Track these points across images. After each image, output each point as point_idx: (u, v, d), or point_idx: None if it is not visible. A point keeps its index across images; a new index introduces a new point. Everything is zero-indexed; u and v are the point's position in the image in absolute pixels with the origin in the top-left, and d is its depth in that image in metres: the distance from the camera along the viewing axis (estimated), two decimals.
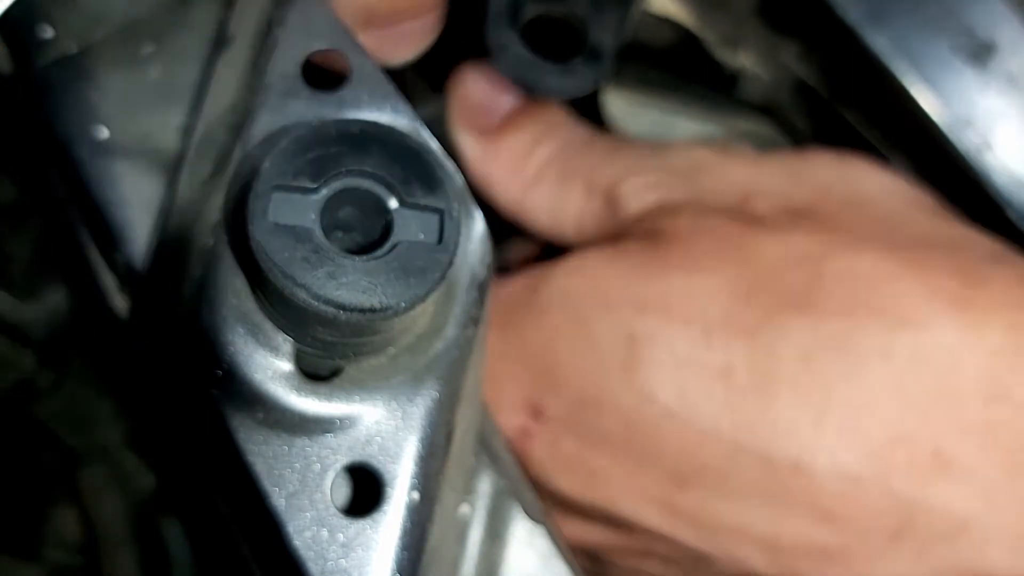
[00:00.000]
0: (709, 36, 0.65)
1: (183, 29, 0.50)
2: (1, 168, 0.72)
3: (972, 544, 0.44)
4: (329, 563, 0.36)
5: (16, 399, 0.73)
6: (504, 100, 0.59)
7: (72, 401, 0.74)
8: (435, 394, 0.38)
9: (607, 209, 0.55)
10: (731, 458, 0.47)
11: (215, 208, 0.39)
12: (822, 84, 0.61)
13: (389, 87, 0.41)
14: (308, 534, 0.36)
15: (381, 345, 0.37)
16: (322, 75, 0.42)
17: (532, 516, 0.47)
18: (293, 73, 0.41)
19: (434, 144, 0.40)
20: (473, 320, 0.40)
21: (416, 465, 0.37)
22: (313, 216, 0.33)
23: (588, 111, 0.66)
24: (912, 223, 0.51)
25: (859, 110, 0.59)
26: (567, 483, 0.51)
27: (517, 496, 0.47)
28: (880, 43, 0.51)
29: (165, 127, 0.49)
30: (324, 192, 0.34)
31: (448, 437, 0.39)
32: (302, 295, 0.32)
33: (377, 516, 0.37)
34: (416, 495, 0.37)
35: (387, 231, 0.34)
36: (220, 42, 0.48)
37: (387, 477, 0.37)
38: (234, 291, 0.37)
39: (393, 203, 0.34)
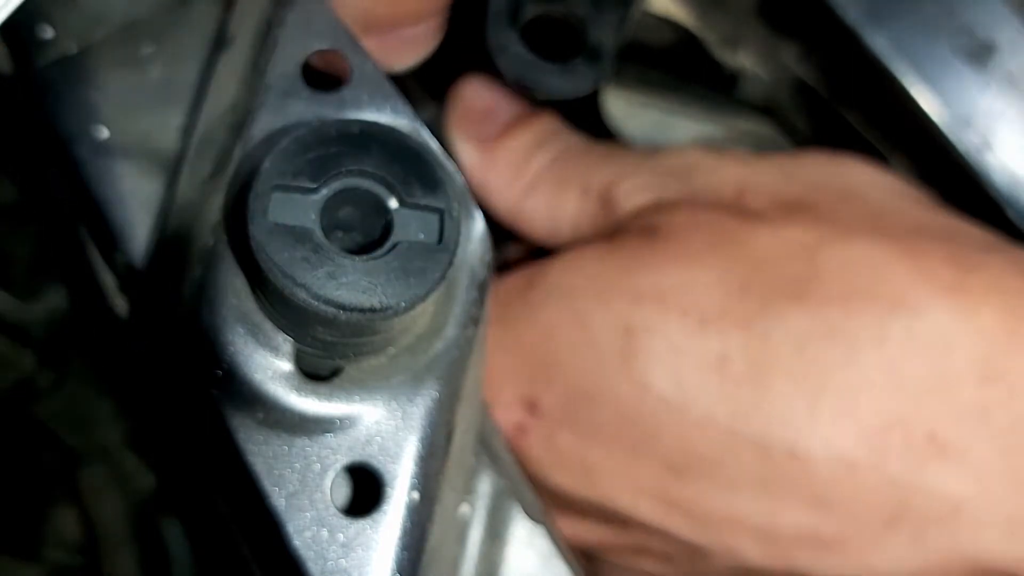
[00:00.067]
0: (709, 36, 0.65)
1: (183, 29, 0.50)
2: (1, 168, 0.72)
3: (966, 528, 0.45)
4: (329, 563, 0.36)
5: (16, 399, 0.73)
6: (503, 109, 0.60)
7: (72, 401, 0.74)
8: (435, 394, 0.38)
9: (603, 210, 0.55)
10: (727, 447, 0.47)
11: (215, 208, 0.39)
12: (822, 84, 0.61)
13: (389, 87, 0.41)
14: (308, 534, 0.36)
15: (381, 345, 0.37)
16: (322, 75, 0.42)
17: (532, 516, 0.47)
18: (293, 73, 0.41)
19: (434, 144, 0.40)
20: (473, 320, 0.40)
21: (416, 465, 0.37)
22: (313, 216, 0.33)
23: (588, 111, 0.66)
24: (905, 214, 0.51)
25: (859, 110, 0.59)
26: (563, 478, 0.51)
27: (517, 496, 0.47)
28: (880, 43, 0.51)
29: (165, 127, 0.49)
30: (324, 192, 0.34)
31: (448, 437, 0.39)
32: (302, 295, 0.32)
33: (377, 516, 0.37)
34: (416, 495, 0.37)
35: (387, 231, 0.34)
36: (220, 42, 0.48)
37: (387, 477, 0.37)
38: (234, 291, 0.37)
39: (393, 203, 0.34)
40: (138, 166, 0.49)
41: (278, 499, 0.37)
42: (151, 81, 0.50)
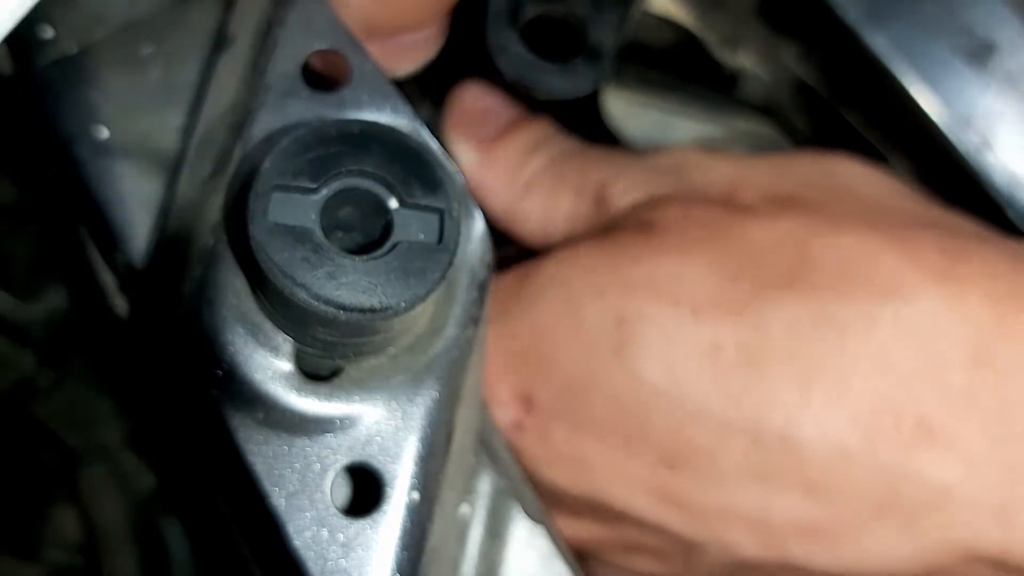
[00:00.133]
0: (709, 36, 0.65)
1: (183, 29, 0.50)
2: (1, 168, 0.72)
3: (956, 514, 0.45)
4: (329, 563, 0.36)
5: (16, 399, 0.73)
6: (501, 113, 0.61)
7: (72, 401, 0.74)
8: (435, 394, 0.38)
9: (597, 208, 0.56)
10: (720, 436, 0.47)
11: (215, 208, 0.39)
12: (822, 84, 0.61)
13: (389, 87, 0.41)
14: (308, 534, 0.36)
15: (381, 345, 0.37)
16: (322, 76, 0.42)
17: (532, 516, 0.47)
18: (293, 73, 0.41)
19: (434, 144, 0.40)
20: (473, 320, 0.40)
21: (416, 465, 0.37)
22: (313, 216, 0.33)
23: (588, 111, 0.66)
24: (895, 207, 0.52)
25: (859, 110, 0.59)
26: (557, 475, 0.51)
27: (517, 496, 0.47)
28: (880, 43, 0.51)
29: (165, 127, 0.49)
30: (324, 192, 0.34)
31: (448, 437, 0.39)
32: (302, 295, 0.32)
33: (377, 516, 0.37)
34: (416, 495, 0.37)
35: (387, 231, 0.34)
36: (220, 42, 0.48)
37: (387, 477, 0.37)
38: (234, 291, 0.37)
39: (393, 203, 0.34)
40: (138, 166, 0.49)
41: (278, 499, 0.37)
42: (151, 81, 0.50)
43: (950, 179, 0.52)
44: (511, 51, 0.53)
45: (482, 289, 0.40)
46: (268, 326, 0.37)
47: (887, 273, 0.47)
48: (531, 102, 0.61)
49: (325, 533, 0.36)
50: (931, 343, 0.45)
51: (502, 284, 0.53)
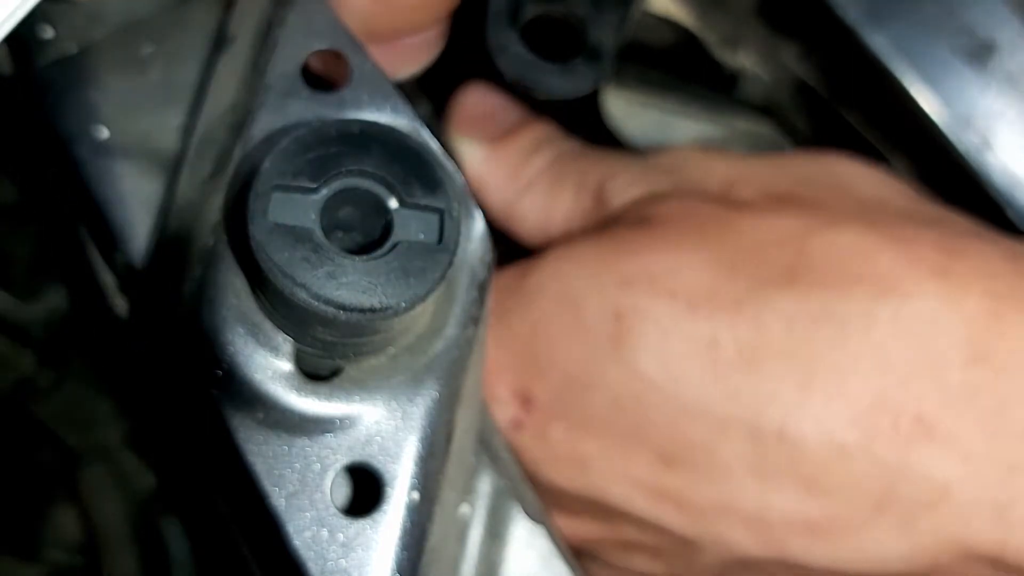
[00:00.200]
0: (709, 36, 0.65)
1: (183, 29, 0.50)
2: (1, 168, 0.72)
3: (954, 512, 0.45)
4: (329, 563, 0.36)
5: (16, 399, 0.73)
6: (503, 114, 0.61)
7: (72, 401, 0.74)
8: (435, 394, 0.38)
9: (595, 206, 0.56)
10: (717, 432, 0.47)
11: (215, 208, 0.39)
12: (822, 84, 0.61)
13: (389, 87, 0.41)
14: (308, 534, 0.36)
15: (381, 345, 0.37)
16: (322, 76, 0.42)
17: (532, 516, 0.47)
18: (293, 73, 0.41)
19: (434, 144, 0.40)
20: (473, 320, 0.40)
21: (416, 465, 0.37)
22: (313, 216, 0.33)
23: (588, 111, 0.66)
24: (893, 204, 0.52)
25: (859, 110, 0.59)
26: (555, 473, 0.51)
27: (517, 496, 0.47)
28: (880, 43, 0.51)
29: (165, 127, 0.49)
30: (324, 192, 0.34)
31: (448, 437, 0.39)
32: (302, 295, 0.32)
33: (377, 516, 0.37)
34: (416, 495, 0.37)
35: (387, 231, 0.34)
36: (220, 42, 0.48)
37: (387, 477, 0.37)
38: (234, 291, 0.37)
39: (393, 203, 0.34)
40: (138, 166, 0.49)
41: (278, 499, 0.37)
42: (151, 81, 0.50)
43: (950, 179, 0.52)
44: (511, 51, 0.53)
45: (482, 289, 0.40)
46: (268, 326, 0.37)
47: (886, 270, 0.47)
48: (531, 102, 0.61)
49: (325, 533, 0.36)
50: (929, 341, 0.45)
51: (500, 282, 0.53)
